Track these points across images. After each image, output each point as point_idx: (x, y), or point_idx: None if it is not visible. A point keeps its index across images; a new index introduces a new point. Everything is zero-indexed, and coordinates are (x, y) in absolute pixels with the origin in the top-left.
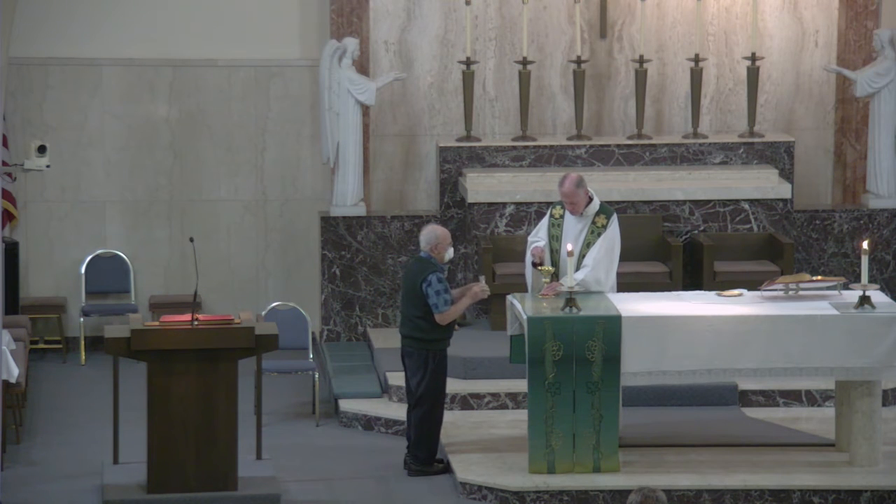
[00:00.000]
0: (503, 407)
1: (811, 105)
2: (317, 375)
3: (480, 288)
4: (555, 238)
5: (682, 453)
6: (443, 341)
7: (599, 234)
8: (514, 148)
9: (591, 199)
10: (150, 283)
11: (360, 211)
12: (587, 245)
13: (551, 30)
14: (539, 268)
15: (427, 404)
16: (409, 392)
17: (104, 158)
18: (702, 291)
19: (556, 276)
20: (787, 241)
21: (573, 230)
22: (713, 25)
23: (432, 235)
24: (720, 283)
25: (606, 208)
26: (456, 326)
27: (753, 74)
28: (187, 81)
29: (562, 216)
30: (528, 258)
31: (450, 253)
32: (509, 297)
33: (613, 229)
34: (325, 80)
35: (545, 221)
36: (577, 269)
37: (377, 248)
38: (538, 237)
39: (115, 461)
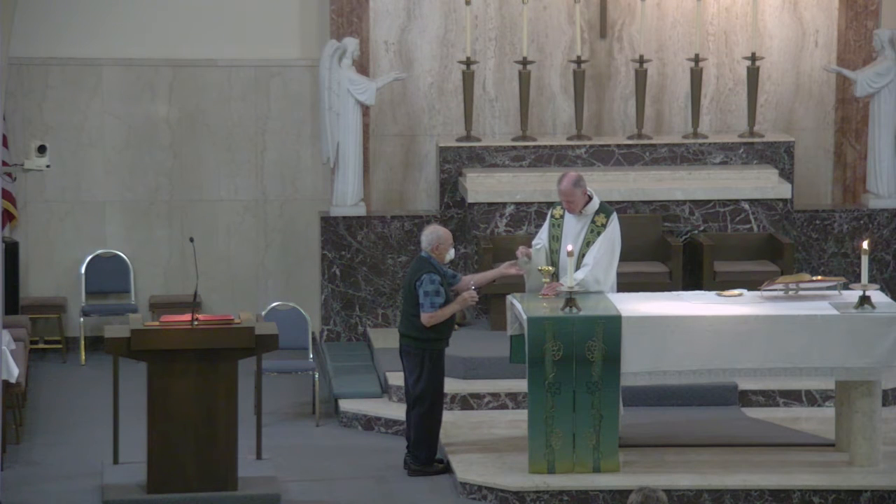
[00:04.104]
0: (503, 407)
1: (811, 105)
2: (317, 375)
3: (470, 295)
4: (555, 238)
5: (682, 453)
6: (440, 341)
7: (599, 234)
8: (514, 148)
9: (590, 199)
10: (150, 283)
11: (360, 211)
12: (587, 244)
13: (551, 30)
14: (539, 268)
15: (425, 403)
16: (407, 391)
17: (104, 158)
18: (702, 291)
19: (556, 276)
20: (787, 241)
21: (573, 230)
22: (713, 25)
23: (434, 236)
24: (720, 283)
25: (606, 207)
26: (456, 326)
27: (753, 74)
28: (187, 81)
29: (562, 216)
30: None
31: (451, 253)
32: (509, 297)
33: (613, 228)
34: (325, 80)
35: (546, 223)
36: (578, 268)
37: (377, 248)
38: (540, 239)
39: (115, 461)
